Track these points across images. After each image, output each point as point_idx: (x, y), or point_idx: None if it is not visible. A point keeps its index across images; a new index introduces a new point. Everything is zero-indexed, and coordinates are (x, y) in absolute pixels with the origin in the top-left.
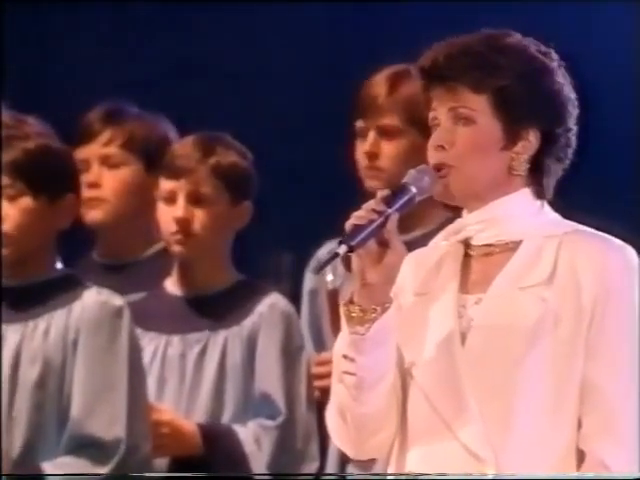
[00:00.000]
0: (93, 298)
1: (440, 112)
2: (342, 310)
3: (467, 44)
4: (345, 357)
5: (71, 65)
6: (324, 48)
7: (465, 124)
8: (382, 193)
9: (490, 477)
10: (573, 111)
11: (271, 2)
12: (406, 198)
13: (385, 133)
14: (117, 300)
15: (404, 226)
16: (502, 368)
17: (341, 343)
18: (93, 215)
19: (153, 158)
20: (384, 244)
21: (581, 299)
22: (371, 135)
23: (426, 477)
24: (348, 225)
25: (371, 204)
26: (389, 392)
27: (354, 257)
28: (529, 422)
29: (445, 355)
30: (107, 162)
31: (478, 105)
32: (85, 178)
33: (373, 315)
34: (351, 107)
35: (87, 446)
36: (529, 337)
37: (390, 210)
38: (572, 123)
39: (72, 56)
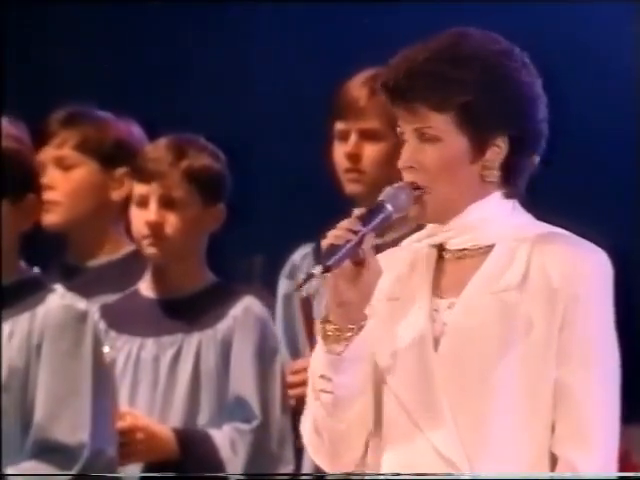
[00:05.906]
0: (57, 302)
1: (405, 129)
2: (318, 328)
3: (427, 60)
4: (322, 377)
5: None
6: (300, 51)
7: (431, 143)
8: (358, 211)
9: (467, 477)
10: (541, 105)
11: (249, 2)
12: (382, 216)
13: (367, 136)
14: (81, 304)
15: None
16: (475, 372)
17: (317, 361)
18: (48, 218)
19: (110, 159)
20: (360, 263)
21: (553, 303)
22: (353, 137)
23: (402, 477)
24: (324, 244)
25: (347, 223)
26: (365, 408)
27: (329, 276)
28: (502, 426)
29: (418, 360)
30: (61, 164)
31: (442, 124)
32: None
33: (349, 334)
34: (329, 109)
35: (51, 451)
36: (502, 342)
37: (366, 229)
38: (542, 115)
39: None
